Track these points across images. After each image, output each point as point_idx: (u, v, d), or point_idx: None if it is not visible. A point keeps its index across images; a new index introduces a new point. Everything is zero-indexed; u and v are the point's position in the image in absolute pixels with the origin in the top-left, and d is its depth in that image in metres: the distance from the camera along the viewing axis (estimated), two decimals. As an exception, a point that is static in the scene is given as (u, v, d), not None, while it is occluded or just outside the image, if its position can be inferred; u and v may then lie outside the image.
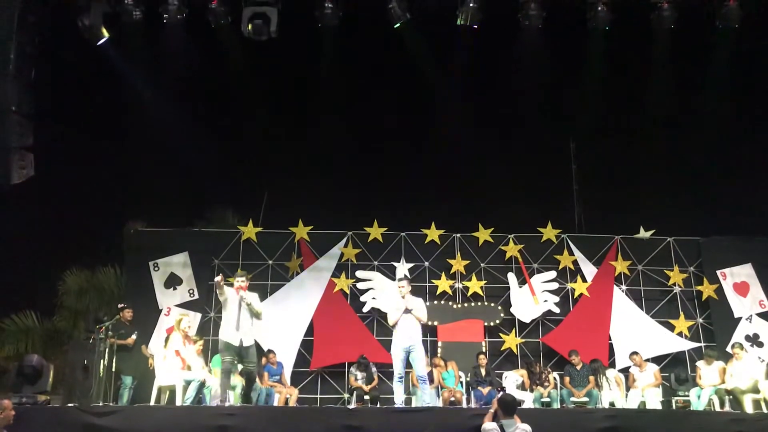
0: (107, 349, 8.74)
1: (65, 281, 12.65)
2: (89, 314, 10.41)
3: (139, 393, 9.68)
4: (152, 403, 9.04)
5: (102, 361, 8.62)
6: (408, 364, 8.27)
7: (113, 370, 8.99)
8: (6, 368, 10.91)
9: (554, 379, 10.43)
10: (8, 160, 8.90)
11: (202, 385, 8.95)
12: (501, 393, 7.65)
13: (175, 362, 9.12)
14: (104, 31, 10.18)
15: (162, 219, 12.00)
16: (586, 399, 9.91)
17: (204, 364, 9.57)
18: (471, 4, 10.15)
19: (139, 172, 12.54)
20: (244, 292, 8.19)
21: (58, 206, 12.39)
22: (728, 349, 10.38)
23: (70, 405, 8.19)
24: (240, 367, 8.47)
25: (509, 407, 6.84)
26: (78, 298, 12.46)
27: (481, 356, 10.47)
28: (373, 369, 10.35)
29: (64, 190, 12.30)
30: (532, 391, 10.11)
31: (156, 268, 11.33)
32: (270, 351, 10.39)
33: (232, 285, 8.28)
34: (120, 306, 10.04)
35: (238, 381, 9.10)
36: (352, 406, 9.37)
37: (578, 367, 10.31)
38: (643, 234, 11.99)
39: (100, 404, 8.15)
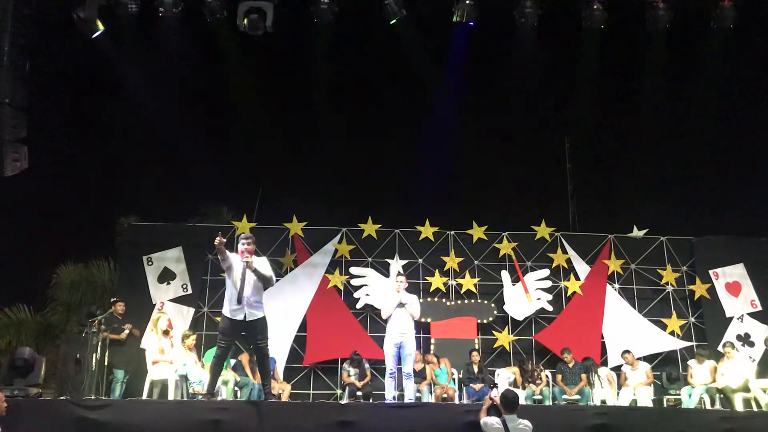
0: (100, 343, 8.72)
1: (58, 275, 12.61)
2: (82, 308, 10.38)
3: (132, 387, 9.69)
4: (144, 397, 9.04)
5: (94, 354, 8.59)
6: (400, 360, 8.29)
7: (105, 363, 8.97)
8: (-2, 361, 10.89)
9: (546, 376, 10.45)
10: (2, 153, 8.86)
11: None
12: (495, 390, 7.62)
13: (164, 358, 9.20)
14: (99, 24, 10.15)
15: (156, 213, 12.00)
16: (577, 396, 9.96)
17: (197, 359, 9.58)
18: (467, 2, 10.17)
19: (133, 166, 12.48)
20: (250, 257, 7.30)
21: (52, 199, 12.34)
22: (720, 348, 10.43)
23: (62, 398, 8.20)
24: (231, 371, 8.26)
25: (511, 403, 6.86)
26: (71, 292, 12.39)
27: (474, 353, 10.49)
28: (366, 365, 10.34)
29: (58, 183, 12.26)
30: (524, 388, 10.12)
31: (150, 263, 11.34)
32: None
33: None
34: (112, 300, 10.06)
35: (230, 375, 9.11)
36: (345, 401, 9.38)
37: (570, 365, 10.35)
38: (637, 233, 12.03)
39: (92, 398, 8.12)
